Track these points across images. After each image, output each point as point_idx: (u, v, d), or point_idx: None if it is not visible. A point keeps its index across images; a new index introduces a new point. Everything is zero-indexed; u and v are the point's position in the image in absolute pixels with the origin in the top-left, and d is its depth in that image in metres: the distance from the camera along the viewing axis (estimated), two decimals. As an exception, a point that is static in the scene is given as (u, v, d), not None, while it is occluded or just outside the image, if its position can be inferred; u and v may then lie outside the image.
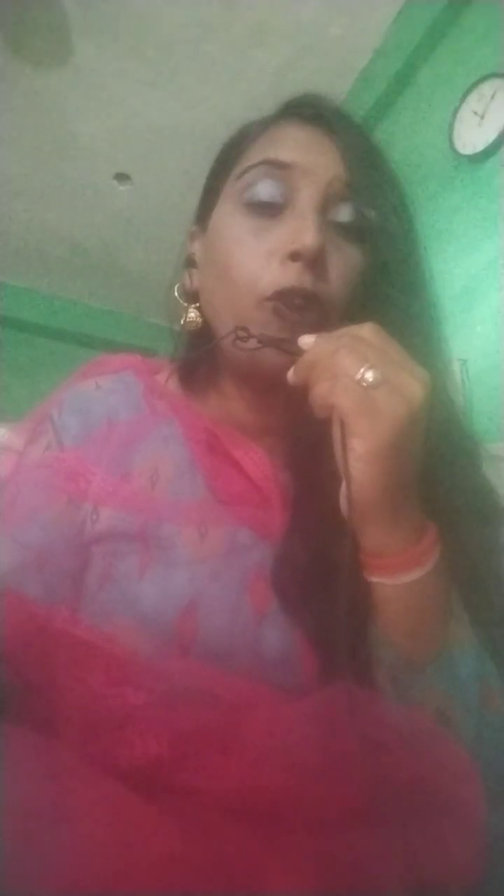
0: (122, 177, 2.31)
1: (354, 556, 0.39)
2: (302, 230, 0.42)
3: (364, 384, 0.35)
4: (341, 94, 1.76)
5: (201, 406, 0.52)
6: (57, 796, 0.28)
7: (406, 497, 0.38)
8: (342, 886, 0.28)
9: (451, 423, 0.46)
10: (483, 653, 0.40)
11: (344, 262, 0.44)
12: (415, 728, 0.35)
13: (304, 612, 0.42)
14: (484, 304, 1.33)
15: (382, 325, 0.38)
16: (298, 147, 0.45)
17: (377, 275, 0.45)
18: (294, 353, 0.40)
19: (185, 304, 0.51)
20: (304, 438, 0.46)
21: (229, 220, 0.47)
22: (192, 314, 0.51)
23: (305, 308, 0.43)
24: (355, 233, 0.45)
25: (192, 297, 0.52)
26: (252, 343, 0.43)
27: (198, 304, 0.51)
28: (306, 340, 0.40)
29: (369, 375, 0.35)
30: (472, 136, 1.38)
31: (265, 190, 0.45)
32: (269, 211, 0.45)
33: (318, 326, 0.41)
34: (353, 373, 0.35)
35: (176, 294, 0.52)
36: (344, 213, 0.45)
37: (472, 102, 1.39)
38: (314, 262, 0.42)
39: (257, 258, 0.44)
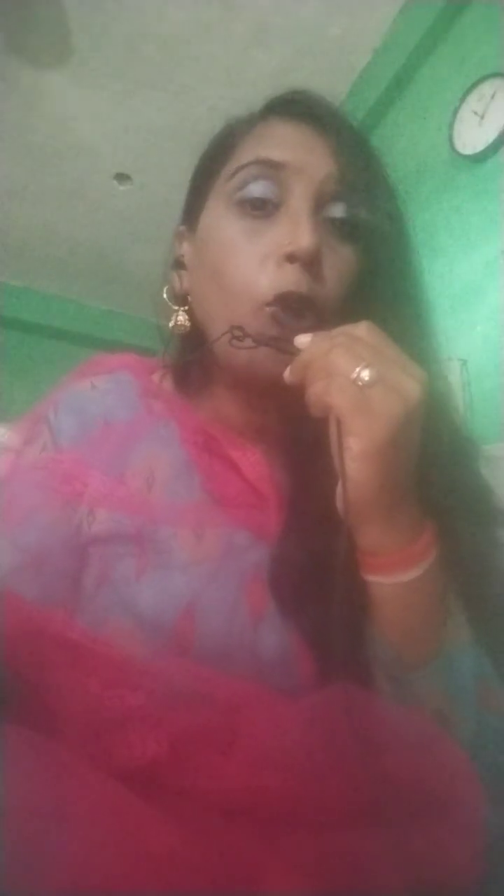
0: (122, 177, 2.31)
1: (351, 556, 0.39)
2: (297, 231, 0.42)
3: (359, 383, 0.35)
4: (341, 95, 1.76)
5: (196, 406, 0.51)
6: (57, 796, 0.28)
7: (402, 496, 0.38)
8: (341, 886, 0.28)
9: (447, 421, 0.45)
10: (481, 652, 0.40)
11: (339, 262, 0.44)
12: (413, 728, 0.35)
13: (300, 613, 0.42)
14: (484, 304, 1.32)
15: (377, 324, 0.38)
16: (290, 146, 0.45)
17: (371, 273, 0.45)
18: (290, 352, 0.40)
19: (175, 307, 0.51)
20: (300, 439, 0.46)
21: (221, 221, 0.46)
22: (181, 317, 0.50)
23: (303, 311, 0.42)
24: (349, 232, 0.45)
25: (181, 299, 0.51)
26: (248, 343, 0.43)
27: (186, 307, 0.50)
28: (302, 340, 0.40)
29: (364, 374, 0.34)
30: (472, 136, 1.38)
31: (258, 190, 0.44)
32: (262, 212, 0.44)
33: (314, 328, 0.41)
34: (348, 372, 0.35)
35: (165, 296, 0.52)
36: (337, 212, 0.44)
37: (472, 102, 1.38)
38: (311, 263, 0.42)
39: (252, 261, 0.43)
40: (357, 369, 0.35)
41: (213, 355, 0.47)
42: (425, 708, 0.38)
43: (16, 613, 0.35)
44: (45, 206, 2.48)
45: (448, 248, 1.42)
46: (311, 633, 0.41)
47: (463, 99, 1.40)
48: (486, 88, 1.36)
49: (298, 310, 0.42)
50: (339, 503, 0.37)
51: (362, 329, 0.37)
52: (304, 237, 0.41)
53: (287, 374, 0.40)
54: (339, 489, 0.37)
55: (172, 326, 0.50)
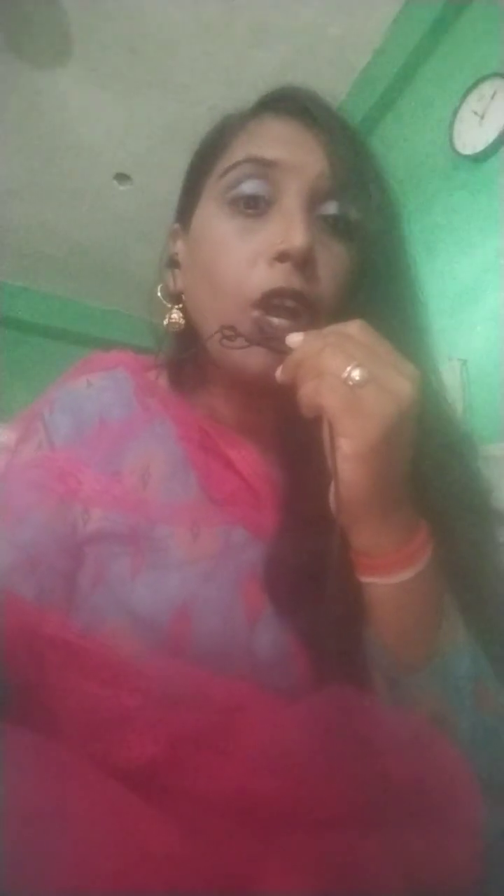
0: (122, 177, 2.31)
1: (345, 556, 0.39)
2: (290, 230, 0.41)
3: (350, 383, 0.34)
4: (341, 95, 1.76)
5: (192, 404, 0.51)
6: (57, 796, 0.28)
7: (396, 496, 0.37)
8: (341, 887, 0.28)
9: (442, 420, 0.45)
10: (478, 653, 0.39)
11: (332, 261, 0.43)
12: (410, 730, 0.35)
13: (296, 613, 0.41)
14: (484, 304, 1.33)
15: (372, 323, 0.37)
16: (282, 143, 0.44)
17: (366, 271, 0.44)
18: (282, 351, 0.40)
19: (169, 306, 0.50)
20: (296, 437, 0.45)
21: (213, 220, 0.45)
22: (175, 315, 0.50)
23: (295, 310, 0.42)
24: (343, 229, 0.44)
25: (176, 297, 0.51)
26: (240, 342, 0.42)
27: (181, 305, 0.50)
28: (294, 339, 0.39)
29: (356, 374, 0.34)
30: (472, 136, 1.38)
31: (250, 189, 0.43)
32: (254, 210, 0.44)
33: (307, 327, 0.41)
34: (339, 371, 0.34)
35: (159, 295, 0.51)
36: (331, 210, 0.44)
37: (472, 102, 1.39)
38: (303, 262, 0.41)
39: (243, 260, 0.43)
40: (348, 369, 0.34)
41: (207, 353, 0.47)
42: (422, 709, 0.37)
43: (13, 613, 0.35)
44: (45, 206, 2.48)
45: (448, 248, 1.42)
46: (307, 632, 0.41)
47: (463, 99, 1.40)
48: (486, 88, 1.36)
49: (292, 308, 0.42)
50: (331, 504, 0.37)
51: (354, 327, 0.37)
52: (296, 236, 0.40)
53: (279, 373, 0.40)
54: (331, 490, 0.37)
55: (167, 324, 0.50)
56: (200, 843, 0.28)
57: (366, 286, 0.44)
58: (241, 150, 0.45)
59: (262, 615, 0.42)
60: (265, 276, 0.42)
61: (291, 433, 0.46)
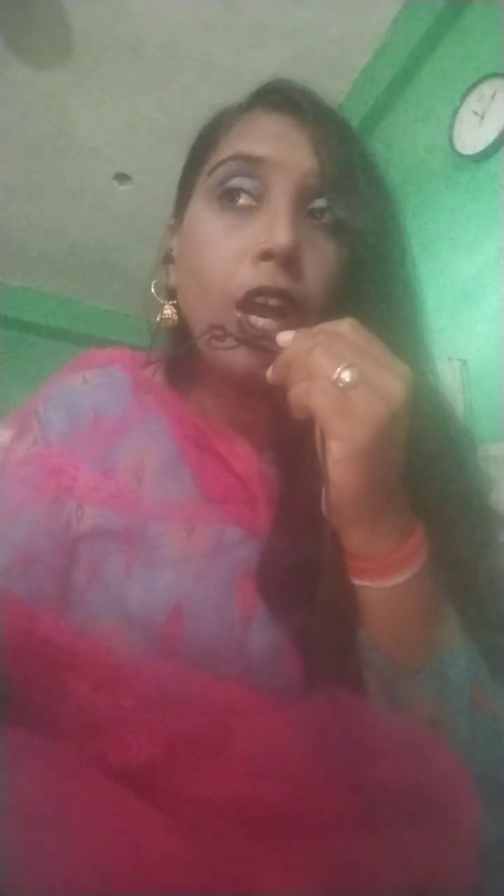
0: (122, 177, 2.31)
1: (339, 559, 0.38)
2: (274, 228, 0.40)
3: (340, 384, 0.33)
4: (341, 95, 1.77)
5: (187, 401, 0.51)
6: (57, 796, 0.28)
7: (388, 499, 0.37)
8: (338, 887, 0.28)
9: (439, 419, 0.44)
10: (475, 655, 0.39)
11: (320, 259, 0.43)
12: (406, 733, 0.35)
13: (289, 613, 0.41)
14: (484, 304, 1.32)
15: (363, 321, 0.37)
16: (271, 139, 0.43)
17: (357, 269, 0.44)
18: (273, 350, 0.39)
19: (162, 301, 0.50)
20: (290, 435, 0.44)
21: (201, 215, 0.45)
22: (168, 311, 0.49)
23: (281, 309, 0.41)
24: (331, 227, 0.43)
25: (170, 293, 0.50)
26: (229, 342, 0.42)
27: (175, 301, 0.49)
28: (284, 338, 0.39)
29: (346, 375, 0.33)
30: (472, 136, 1.38)
31: (237, 186, 0.43)
32: (241, 207, 0.43)
33: (296, 326, 0.40)
34: (328, 373, 0.33)
35: (153, 291, 0.51)
36: (319, 208, 0.43)
37: (472, 102, 1.39)
38: (287, 261, 0.41)
39: (229, 257, 0.42)
40: (338, 370, 0.33)
41: (199, 351, 0.46)
42: (418, 712, 0.37)
43: (8, 613, 0.35)
44: (45, 206, 2.49)
45: (448, 247, 1.42)
46: (301, 632, 0.40)
47: (463, 99, 1.40)
48: (486, 88, 1.36)
49: (277, 307, 0.41)
50: (323, 507, 0.37)
51: (345, 326, 0.36)
52: (280, 234, 0.40)
53: (269, 373, 0.39)
54: (323, 492, 0.36)
55: (159, 320, 0.50)
56: (199, 844, 0.28)
57: (357, 284, 0.43)
58: (230, 146, 0.44)
59: (257, 614, 0.42)
60: (249, 275, 0.41)
61: (286, 431, 0.46)
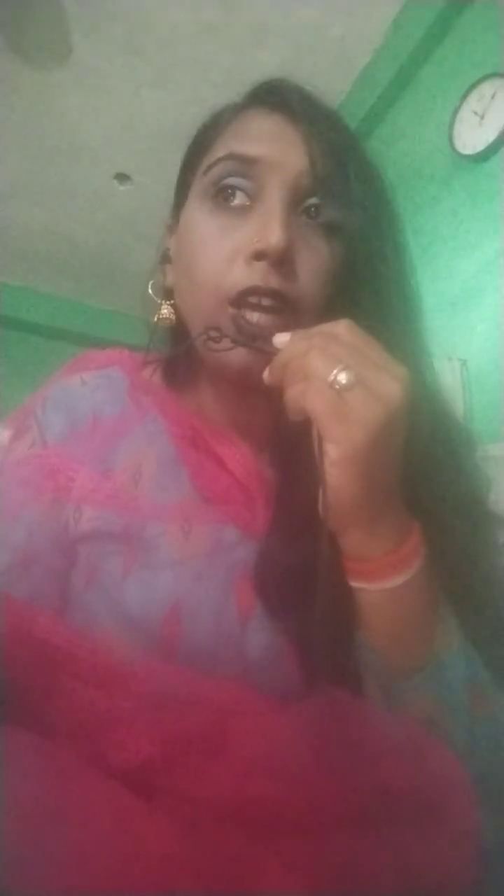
0: (122, 177, 2.31)
1: (336, 561, 0.38)
2: (267, 228, 0.40)
3: (337, 386, 0.33)
4: (341, 95, 1.76)
5: (185, 401, 0.50)
6: (57, 796, 0.28)
7: (385, 501, 0.36)
8: (337, 887, 0.28)
9: (437, 420, 0.44)
10: (473, 656, 0.39)
11: (314, 259, 0.43)
12: (405, 734, 0.35)
13: (287, 614, 0.41)
14: (484, 304, 1.32)
15: (360, 322, 0.36)
16: (266, 139, 0.43)
17: (352, 268, 0.43)
18: (269, 351, 0.39)
19: (159, 301, 0.50)
20: (288, 436, 0.44)
21: (196, 215, 0.45)
22: (165, 311, 0.49)
23: (274, 308, 0.41)
24: (325, 227, 0.43)
25: (168, 293, 0.50)
26: (225, 343, 0.42)
27: (172, 301, 0.49)
28: (280, 339, 0.38)
29: (342, 377, 0.33)
30: (472, 136, 1.38)
31: (231, 185, 0.43)
32: (235, 207, 0.43)
33: (290, 326, 0.40)
34: (325, 375, 0.33)
35: (150, 291, 0.51)
36: (314, 208, 0.43)
37: (472, 102, 1.38)
38: (280, 261, 0.40)
39: (223, 257, 0.42)
40: (334, 372, 0.33)
41: (196, 352, 0.46)
42: (417, 714, 0.37)
43: (7, 614, 0.35)
44: (45, 206, 2.49)
45: (448, 248, 1.42)
46: (299, 633, 0.40)
47: (463, 99, 1.40)
48: (486, 88, 1.36)
49: (270, 307, 0.41)
50: (320, 508, 0.37)
51: (342, 327, 0.36)
52: (273, 234, 0.40)
53: (266, 375, 0.39)
54: (320, 494, 0.36)
55: (157, 320, 0.50)
56: (198, 844, 0.28)
57: (353, 283, 0.43)
58: (224, 146, 0.44)
59: (254, 614, 0.42)
60: (242, 274, 0.41)
61: (284, 432, 0.45)
